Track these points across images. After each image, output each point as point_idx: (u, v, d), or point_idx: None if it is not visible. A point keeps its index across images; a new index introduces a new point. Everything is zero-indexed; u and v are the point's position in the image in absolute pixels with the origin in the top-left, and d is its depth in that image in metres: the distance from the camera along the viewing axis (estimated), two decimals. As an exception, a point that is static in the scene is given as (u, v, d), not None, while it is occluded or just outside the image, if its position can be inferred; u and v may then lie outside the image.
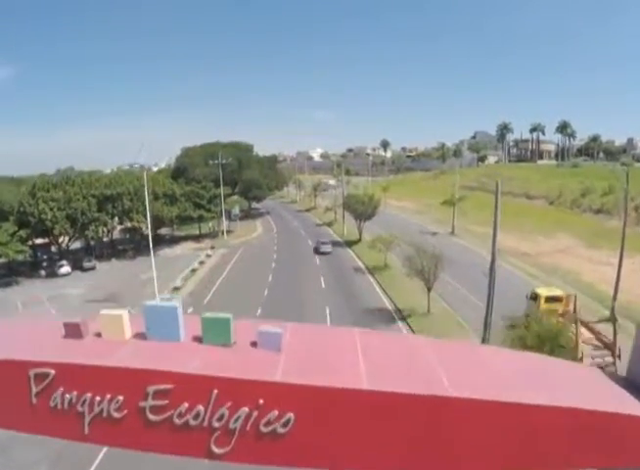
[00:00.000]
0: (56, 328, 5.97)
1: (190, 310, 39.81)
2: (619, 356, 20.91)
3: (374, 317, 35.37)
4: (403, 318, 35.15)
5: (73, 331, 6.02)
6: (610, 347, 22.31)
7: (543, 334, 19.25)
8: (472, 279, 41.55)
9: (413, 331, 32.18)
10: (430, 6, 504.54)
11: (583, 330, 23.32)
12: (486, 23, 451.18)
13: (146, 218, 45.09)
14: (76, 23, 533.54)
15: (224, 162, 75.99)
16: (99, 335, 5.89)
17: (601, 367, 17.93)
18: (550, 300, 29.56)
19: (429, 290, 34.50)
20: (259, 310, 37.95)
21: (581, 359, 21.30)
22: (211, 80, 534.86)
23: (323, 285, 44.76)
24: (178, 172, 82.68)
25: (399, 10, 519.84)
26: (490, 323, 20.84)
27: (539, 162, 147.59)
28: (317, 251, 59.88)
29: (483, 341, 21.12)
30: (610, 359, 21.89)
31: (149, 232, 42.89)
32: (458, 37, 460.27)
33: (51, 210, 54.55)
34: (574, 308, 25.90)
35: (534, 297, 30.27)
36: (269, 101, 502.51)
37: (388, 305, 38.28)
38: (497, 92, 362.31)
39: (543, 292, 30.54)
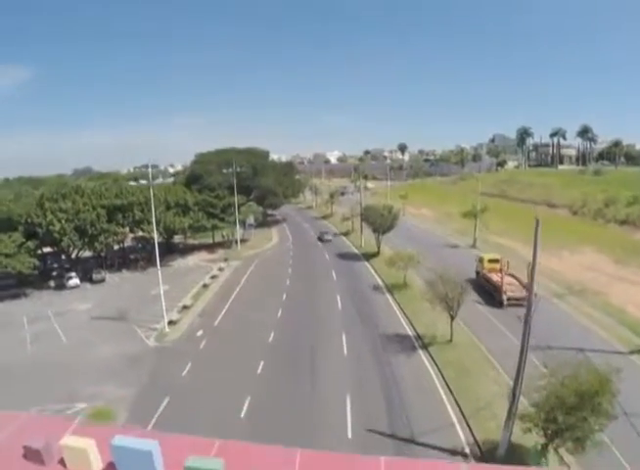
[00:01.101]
0: (17, 441, 5.56)
1: (199, 333, 38.28)
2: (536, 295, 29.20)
3: (393, 345, 33.26)
4: (424, 346, 32.87)
5: (35, 456, 5.61)
6: (526, 286, 32.09)
7: (583, 392, 16.79)
8: (496, 302, 39.39)
9: (436, 364, 30.06)
10: (449, 6, 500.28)
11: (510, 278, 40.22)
12: (508, 24, 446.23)
13: (157, 229, 43.56)
14: (94, 28, 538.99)
15: (239, 169, 74.19)
16: (63, 464, 5.43)
17: (517, 298, 37.01)
18: (491, 261, 44.41)
19: (452, 318, 32.21)
20: (272, 335, 36.18)
21: (505, 292, 38.33)
22: (229, 84, 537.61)
23: (339, 306, 42.61)
24: (192, 179, 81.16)
25: (416, 10, 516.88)
26: (523, 375, 18.57)
27: (560, 167, 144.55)
28: (320, 239, 75.51)
29: (514, 396, 18.86)
30: (525, 294, 31.59)
31: (156, 248, 41.16)
32: (477, 38, 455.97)
33: (59, 221, 53.11)
34: (506, 265, 42.18)
35: (481, 260, 45.74)
36: (286, 104, 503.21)
37: (409, 331, 35.98)
38: (516, 95, 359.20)
39: (486, 256, 46.17)
